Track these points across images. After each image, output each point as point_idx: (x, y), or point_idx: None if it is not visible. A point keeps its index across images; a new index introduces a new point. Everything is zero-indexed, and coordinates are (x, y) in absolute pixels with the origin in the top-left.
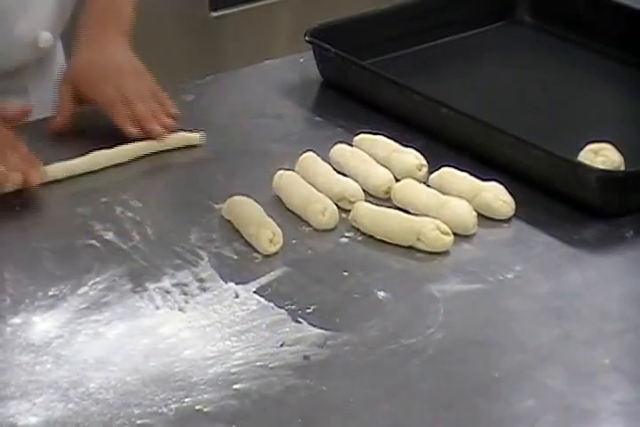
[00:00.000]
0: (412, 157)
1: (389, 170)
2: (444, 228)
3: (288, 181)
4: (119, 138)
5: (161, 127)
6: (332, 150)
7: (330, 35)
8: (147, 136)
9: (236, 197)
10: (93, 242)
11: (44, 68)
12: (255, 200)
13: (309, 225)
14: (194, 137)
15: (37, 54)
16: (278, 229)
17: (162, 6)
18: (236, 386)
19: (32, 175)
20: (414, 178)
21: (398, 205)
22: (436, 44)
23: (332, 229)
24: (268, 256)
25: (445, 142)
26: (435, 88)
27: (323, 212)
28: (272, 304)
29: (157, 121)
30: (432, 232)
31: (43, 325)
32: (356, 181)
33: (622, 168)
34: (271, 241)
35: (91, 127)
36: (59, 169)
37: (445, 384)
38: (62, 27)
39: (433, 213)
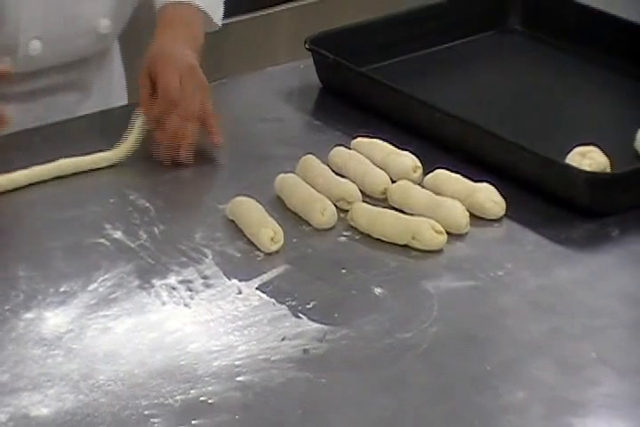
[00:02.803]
0: (407, 160)
1: (386, 172)
2: (439, 227)
3: (289, 183)
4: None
5: (187, 153)
6: (330, 153)
7: (329, 42)
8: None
9: (239, 198)
10: (102, 241)
11: (104, 64)
12: (257, 201)
13: (309, 224)
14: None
15: (98, 43)
16: (279, 229)
17: None
18: (239, 378)
19: None
20: (410, 179)
21: (394, 205)
22: (431, 51)
23: (330, 229)
24: (269, 254)
25: (439, 145)
26: (429, 94)
27: (322, 212)
28: (273, 300)
29: (188, 145)
30: (427, 231)
31: (54, 320)
32: (354, 182)
33: (608, 170)
34: (272, 240)
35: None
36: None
37: (439, 377)
38: (123, 18)
39: (427, 213)
